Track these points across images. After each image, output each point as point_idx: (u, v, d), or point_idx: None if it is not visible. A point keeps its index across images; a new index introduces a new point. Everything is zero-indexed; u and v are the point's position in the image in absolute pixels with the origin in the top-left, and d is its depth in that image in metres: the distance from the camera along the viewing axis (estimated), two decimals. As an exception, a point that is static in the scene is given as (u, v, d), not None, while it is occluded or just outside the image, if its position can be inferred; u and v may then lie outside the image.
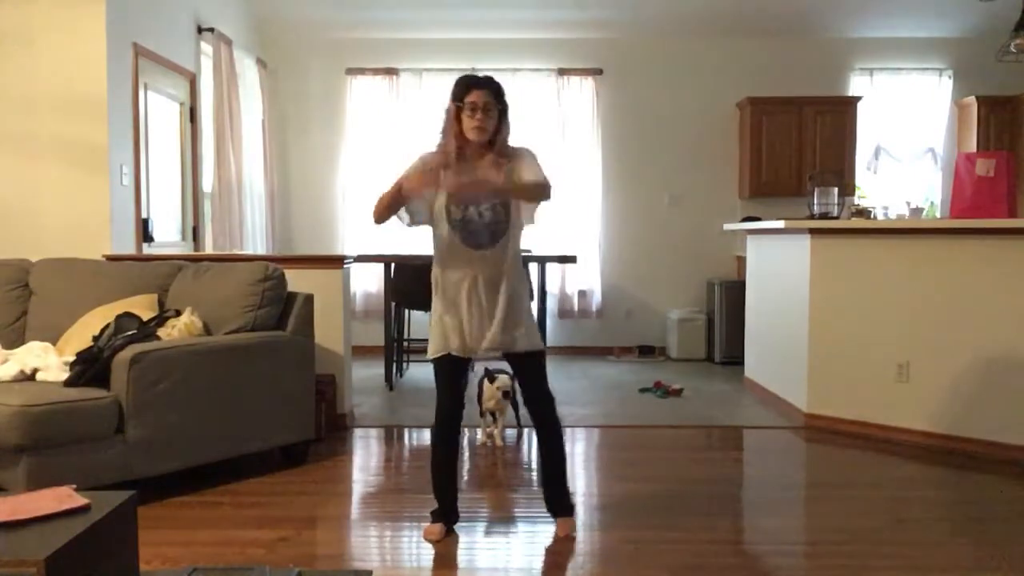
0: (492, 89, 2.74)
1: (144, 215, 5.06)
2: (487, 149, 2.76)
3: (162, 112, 5.36)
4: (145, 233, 5.06)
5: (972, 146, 7.00)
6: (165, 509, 3.15)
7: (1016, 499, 3.35)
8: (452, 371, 2.89)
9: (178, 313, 3.60)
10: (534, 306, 5.70)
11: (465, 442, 4.17)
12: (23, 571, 1.59)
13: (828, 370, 4.50)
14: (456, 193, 2.73)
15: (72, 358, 3.30)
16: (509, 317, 2.80)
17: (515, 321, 2.82)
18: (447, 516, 2.94)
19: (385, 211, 2.77)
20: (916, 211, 5.67)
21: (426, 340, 2.82)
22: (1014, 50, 5.26)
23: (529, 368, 2.92)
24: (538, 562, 2.75)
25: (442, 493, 2.95)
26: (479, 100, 2.70)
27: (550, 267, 6.47)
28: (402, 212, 2.80)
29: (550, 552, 2.80)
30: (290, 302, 3.81)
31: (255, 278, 3.67)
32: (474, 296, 2.79)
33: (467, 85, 2.74)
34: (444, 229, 2.79)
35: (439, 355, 2.86)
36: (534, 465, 3.87)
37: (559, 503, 2.99)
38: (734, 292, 6.59)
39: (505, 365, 3.15)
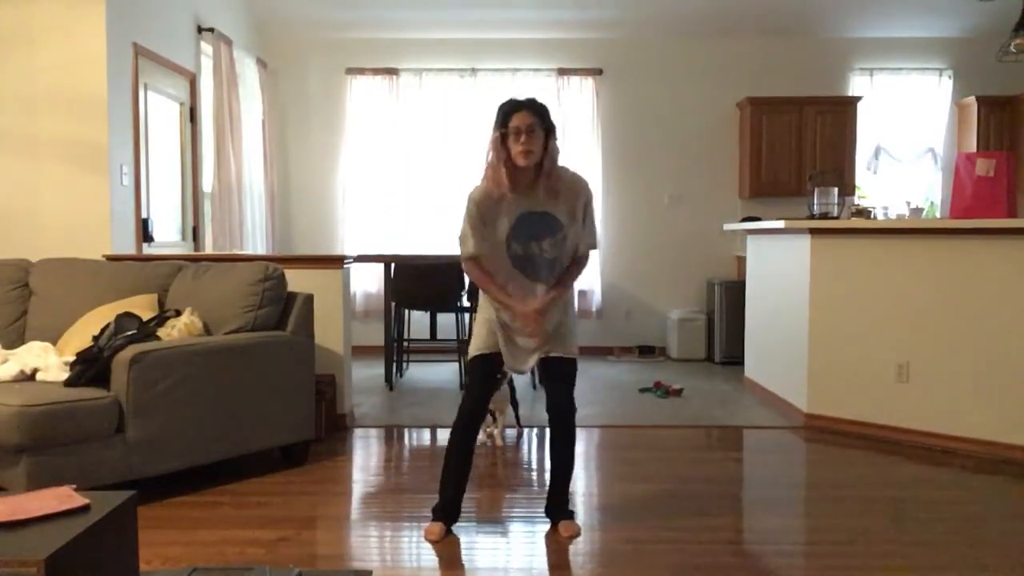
0: (534, 110, 2.71)
1: (144, 215, 5.06)
2: (538, 173, 2.74)
3: (162, 112, 5.36)
4: (145, 233, 5.06)
5: (972, 146, 7.00)
6: (165, 509, 3.15)
7: (1016, 499, 3.35)
8: (488, 371, 2.94)
9: (178, 313, 3.60)
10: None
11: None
12: (23, 571, 1.59)
13: (828, 370, 4.50)
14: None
15: (72, 358, 3.30)
16: (557, 332, 2.89)
17: (562, 334, 2.90)
18: (448, 514, 2.94)
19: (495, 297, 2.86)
20: (916, 211, 5.67)
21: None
22: (1014, 50, 5.26)
23: (562, 373, 2.93)
24: (538, 562, 2.74)
25: (449, 489, 2.95)
26: (522, 123, 2.67)
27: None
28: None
29: (550, 552, 2.80)
30: (290, 302, 3.81)
31: (255, 278, 3.67)
32: (519, 328, 2.84)
33: (508, 111, 2.70)
34: (504, 259, 2.82)
35: (481, 353, 2.89)
36: (534, 465, 3.87)
37: (561, 509, 3.00)
38: (734, 292, 6.59)
39: None
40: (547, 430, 3.01)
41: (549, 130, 2.74)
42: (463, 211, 2.83)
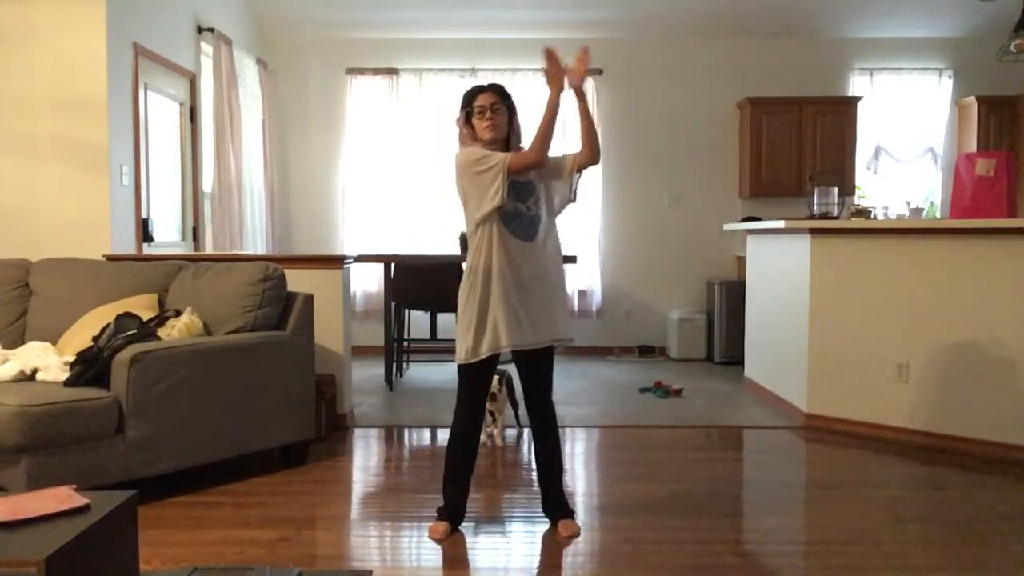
0: (496, 91, 2.88)
1: (144, 215, 5.06)
2: (505, 150, 2.84)
3: (162, 112, 5.36)
4: (145, 233, 5.06)
5: (972, 146, 7.00)
6: (165, 509, 3.15)
7: (1016, 499, 3.35)
8: (482, 377, 2.89)
9: (178, 313, 3.60)
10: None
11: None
12: (23, 571, 1.59)
13: (828, 370, 4.49)
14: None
15: (72, 358, 3.30)
16: (556, 307, 2.89)
17: (559, 310, 2.91)
18: (453, 515, 2.95)
19: (546, 142, 2.80)
20: (916, 211, 5.67)
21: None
22: (1014, 50, 5.27)
23: (548, 367, 2.95)
24: (538, 562, 2.75)
25: (455, 495, 2.96)
26: (486, 102, 2.83)
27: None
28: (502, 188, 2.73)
29: (550, 552, 2.80)
30: (290, 302, 3.81)
31: (255, 278, 3.67)
32: (524, 289, 2.79)
33: (473, 93, 2.87)
34: (495, 221, 2.77)
35: (474, 360, 2.80)
36: (534, 465, 3.87)
37: (560, 507, 3.00)
38: (734, 292, 6.59)
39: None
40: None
41: (512, 108, 2.89)
42: (474, 166, 2.76)
